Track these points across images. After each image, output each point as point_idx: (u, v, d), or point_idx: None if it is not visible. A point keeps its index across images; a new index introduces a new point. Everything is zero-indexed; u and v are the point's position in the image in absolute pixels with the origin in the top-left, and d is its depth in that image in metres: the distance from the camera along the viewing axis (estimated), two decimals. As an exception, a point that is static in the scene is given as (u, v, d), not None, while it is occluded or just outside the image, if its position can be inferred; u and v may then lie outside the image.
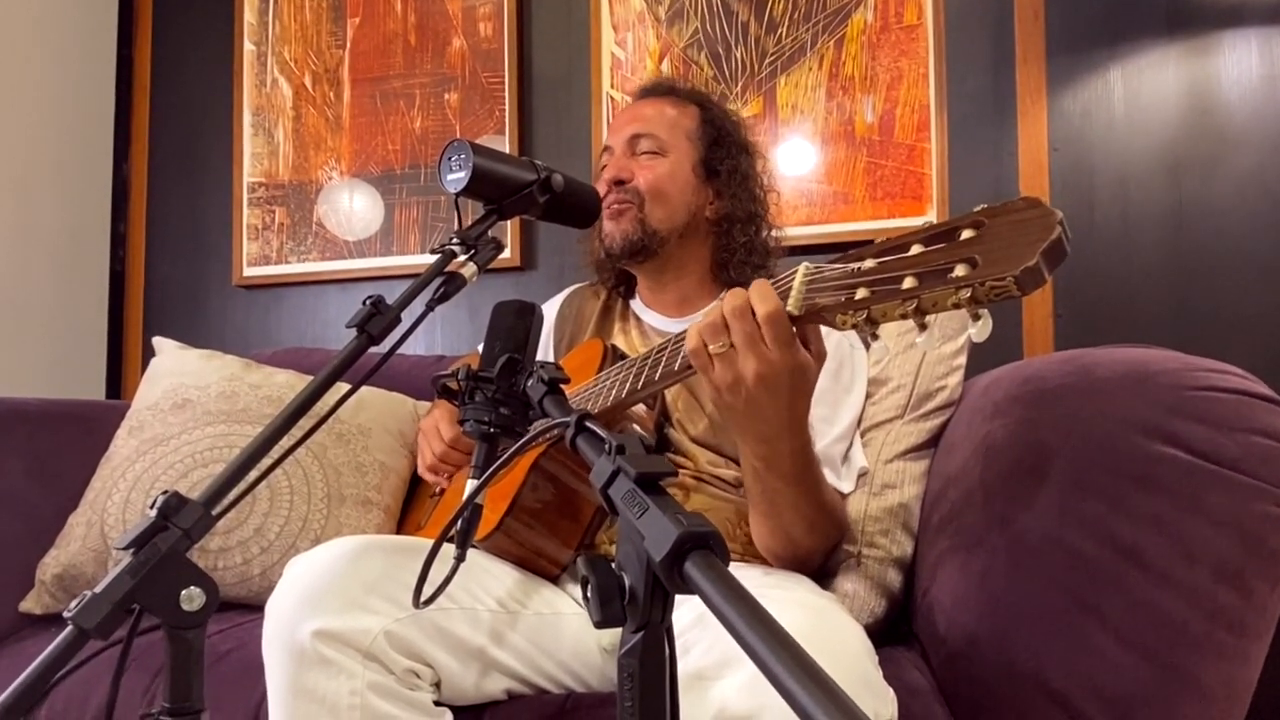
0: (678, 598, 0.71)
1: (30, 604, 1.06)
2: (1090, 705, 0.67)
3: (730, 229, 1.12)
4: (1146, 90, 1.59)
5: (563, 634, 0.88)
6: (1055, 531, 0.70)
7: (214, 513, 0.64)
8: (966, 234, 0.58)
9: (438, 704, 0.79)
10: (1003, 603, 0.72)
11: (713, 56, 1.77)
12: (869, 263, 0.63)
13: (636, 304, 1.20)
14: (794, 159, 1.73)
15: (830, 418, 0.99)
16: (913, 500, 0.93)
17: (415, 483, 1.31)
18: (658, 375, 0.80)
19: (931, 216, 1.66)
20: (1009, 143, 1.66)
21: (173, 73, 2.12)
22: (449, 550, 0.67)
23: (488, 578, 0.88)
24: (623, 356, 1.02)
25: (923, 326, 0.59)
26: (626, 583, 0.43)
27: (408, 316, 0.78)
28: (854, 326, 0.62)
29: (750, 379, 0.67)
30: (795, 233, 1.72)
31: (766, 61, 1.74)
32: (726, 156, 1.14)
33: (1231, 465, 0.65)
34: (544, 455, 0.94)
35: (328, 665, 0.73)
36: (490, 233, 0.91)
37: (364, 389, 0.74)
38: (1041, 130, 1.65)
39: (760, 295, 0.67)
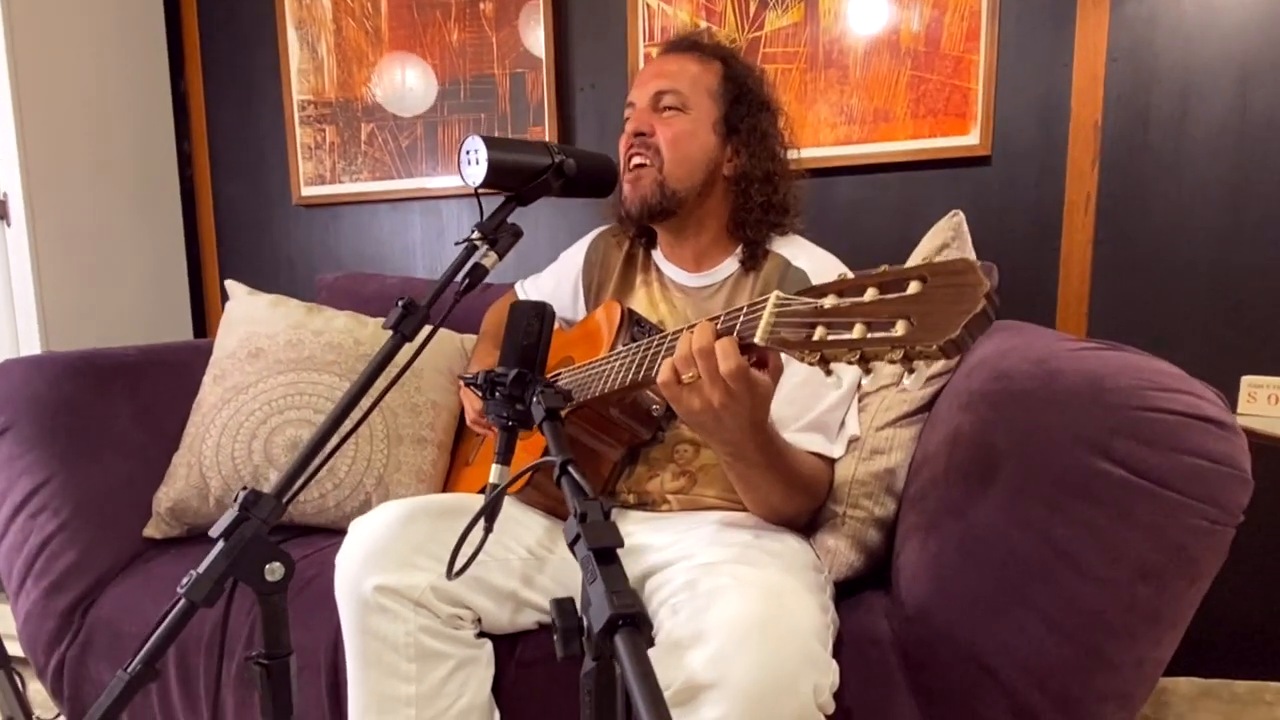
0: (687, 547, 0.88)
1: (151, 530, 1.28)
2: (1016, 676, 0.78)
3: (748, 188, 1.15)
4: (1221, -9, 1.47)
5: (583, 573, 1.03)
6: (1000, 526, 0.78)
7: (284, 500, 0.80)
8: (913, 287, 0.63)
9: (480, 635, 0.97)
10: (950, 583, 0.82)
11: (751, -40, 1.69)
12: (829, 301, 0.69)
13: (657, 255, 1.26)
14: (833, 72, 1.68)
15: (831, 380, 1.06)
16: (899, 465, 1.02)
17: (464, 418, 1.46)
18: (654, 371, 0.88)
19: (974, 137, 1.62)
20: (1064, 53, 1.57)
21: (216, -14, 2.15)
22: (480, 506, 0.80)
23: (520, 529, 1.03)
24: (638, 321, 1.11)
25: (867, 370, 0.66)
26: (586, 623, 0.55)
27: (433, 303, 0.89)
28: (811, 363, 0.69)
29: (716, 404, 0.77)
30: (832, 153, 1.70)
31: (807, -34, 1.66)
32: (747, 114, 1.15)
33: (1161, 482, 0.71)
34: (567, 419, 1.05)
35: (386, 612, 0.90)
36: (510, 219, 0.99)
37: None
38: (1101, 39, 1.55)
39: (723, 352, 0.74)
